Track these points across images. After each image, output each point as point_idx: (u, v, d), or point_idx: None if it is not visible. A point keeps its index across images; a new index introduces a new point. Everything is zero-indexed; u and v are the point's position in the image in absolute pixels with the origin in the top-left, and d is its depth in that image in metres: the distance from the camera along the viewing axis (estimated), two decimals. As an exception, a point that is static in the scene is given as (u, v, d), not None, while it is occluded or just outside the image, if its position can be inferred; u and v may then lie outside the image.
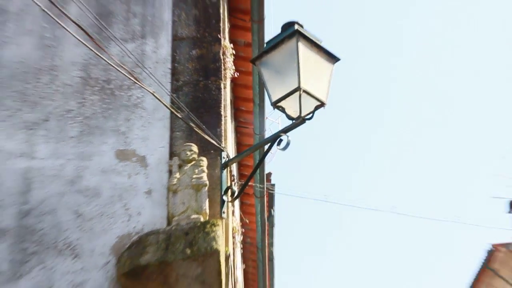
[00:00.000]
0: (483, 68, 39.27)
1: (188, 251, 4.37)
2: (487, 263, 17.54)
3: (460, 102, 40.10)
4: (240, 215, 8.65)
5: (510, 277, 17.19)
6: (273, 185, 10.12)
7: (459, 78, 39.99)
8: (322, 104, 4.85)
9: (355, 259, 40.59)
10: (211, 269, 4.41)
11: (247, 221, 8.90)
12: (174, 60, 5.43)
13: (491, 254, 17.37)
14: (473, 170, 37.76)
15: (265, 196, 8.69)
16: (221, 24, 5.62)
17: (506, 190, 21.82)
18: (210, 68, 5.39)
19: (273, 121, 9.07)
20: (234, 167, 6.82)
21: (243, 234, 8.87)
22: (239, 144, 7.90)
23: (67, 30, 4.65)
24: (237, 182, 6.44)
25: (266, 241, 9.43)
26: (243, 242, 9.08)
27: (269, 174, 10.28)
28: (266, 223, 9.41)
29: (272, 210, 10.42)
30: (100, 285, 4.57)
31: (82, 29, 4.58)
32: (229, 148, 5.88)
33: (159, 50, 5.47)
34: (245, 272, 9.67)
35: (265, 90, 5.08)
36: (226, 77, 5.56)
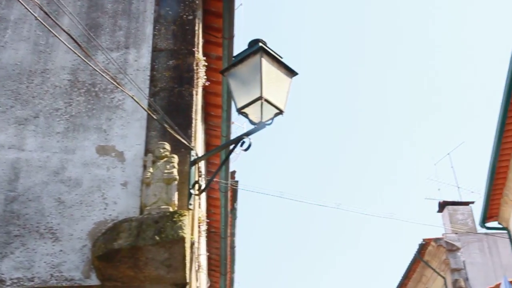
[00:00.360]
0: (422, 78, 39.79)
1: (157, 237, 4.29)
2: (419, 255, 17.73)
3: (400, 111, 40.57)
4: (206, 207, 8.57)
5: (439, 267, 17.41)
6: (237, 182, 10.05)
7: (405, 87, 40.47)
8: (280, 112, 4.83)
9: (305, 249, 40.76)
10: (177, 254, 4.33)
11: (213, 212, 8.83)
12: (153, 68, 5.35)
13: (423, 247, 17.57)
14: (408, 174, 38.24)
15: (229, 191, 8.63)
16: (196, 39, 5.57)
17: (437, 192, 22.18)
18: (185, 77, 5.32)
19: (239, 126, 9.03)
20: (202, 164, 6.75)
21: (208, 224, 8.79)
22: (207, 145, 7.83)
23: (59, 38, 4.60)
24: (204, 178, 6.36)
25: (229, 231, 9.36)
26: (208, 231, 8.99)
27: (234, 172, 10.22)
28: (229, 215, 9.34)
29: (235, 204, 10.36)
30: (76, 267, 4.45)
31: (72, 38, 4.52)
32: (199, 148, 5.81)
33: (140, 59, 5.39)
34: (209, 259, 9.59)
35: (232, 98, 5.04)
36: (198, 85, 5.50)
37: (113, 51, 5.37)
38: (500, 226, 14.16)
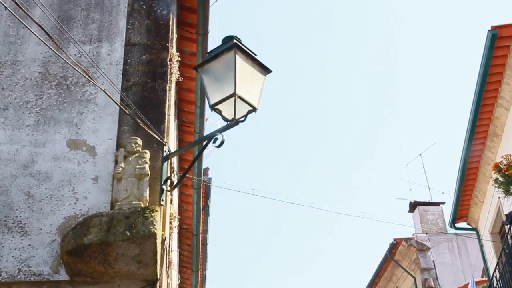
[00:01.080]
0: (396, 80, 40.17)
1: (128, 233, 4.27)
2: (390, 255, 17.91)
3: (375, 111, 40.91)
4: (178, 204, 8.55)
5: (409, 267, 17.60)
6: (210, 178, 10.04)
7: (379, 88, 40.80)
8: (254, 109, 4.82)
9: (278, 246, 40.89)
10: (148, 250, 4.32)
11: (185, 208, 8.80)
12: (126, 63, 5.32)
13: (394, 247, 17.74)
14: (381, 174, 38.59)
15: (202, 188, 8.61)
16: (170, 34, 5.54)
17: (408, 193, 22.42)
18: (158, 72, 5.30)
19: (213, 123, 9.03)
20: (175, 161, 6.72)
21: (180, 221, 8.75)
22: (180, 141, 7.80)
23: (30, 30, 4.52)
24: (177, 174, 6.33)
25: (201, 228, 9.35)
26: (180, 228, 8.96)
27: (207, 169, 10.21)
28: (202, 212, 9.31)
29: (208, 201, 10.35)
30: (45, 262, 4.40)
31: (43, 29, 4.45)
32: (171, 144, 5.78)
33: (113, 53, 5.35)
34: (181, 255, 9.56)
35: (205, 94, 5.02)
36: (171, 80, 5.48)
37: (85, 44, 5.32)
38: (469, 227, 14.36)
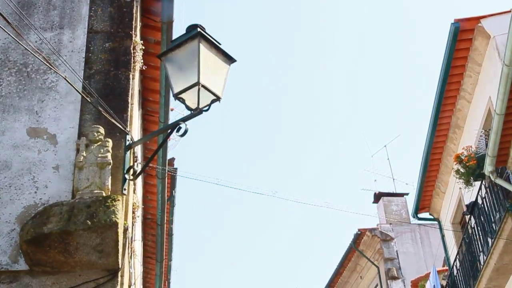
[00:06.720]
0: (361, 71, 40.50)
1: (89, 222, 4.22)
2: (354, 245, 18.11)
3: (340, 102, 41.20)
4: (143, 194, 8.48)
5: (373, 257, 17.82)
6: (176, 168, 9.98)
7: (344, 79, 41.07)
8: (218, 99, 4.80)
9: (243, 236, 41.01)
10: (109, 239, 4.27)
11: (149, 198, 8.73)
12: (88, 50, 5.23)
13: (358, 237, 17.94)
14: (346, 165, 38.93)
15: (167, 178, 8.54)
16: (134, 22, 5.47)
17: (373, 183, 22.65)
18: (121, 60, 5.23)
19: (179, 113, 8.96)
20: (140, 151, 6.66)
21: (144, 211, 8.68)
22: (145, 130, 7.73)
23: (-13, 15, 4.39)
24: (140, 163, 6.26)
25: (166, 218, 9.29)
26: (144, 218, 8.89)
27: (172, 159, 10.15)
28: (167, 202, 9.25)
29: (173, 191, 10.29)
30: (3, 251, 4.32)
31: (2, 15, 4.34)
32: (135, 133, 5.72)
33: (75, 40, 5.26)
34: (145, 245, 9.49)
35: (169, 83, 4.97)
36: (135, 69, 5.41)
37: (46, 31, 5.22)
38: (431, 217, 14.59)
